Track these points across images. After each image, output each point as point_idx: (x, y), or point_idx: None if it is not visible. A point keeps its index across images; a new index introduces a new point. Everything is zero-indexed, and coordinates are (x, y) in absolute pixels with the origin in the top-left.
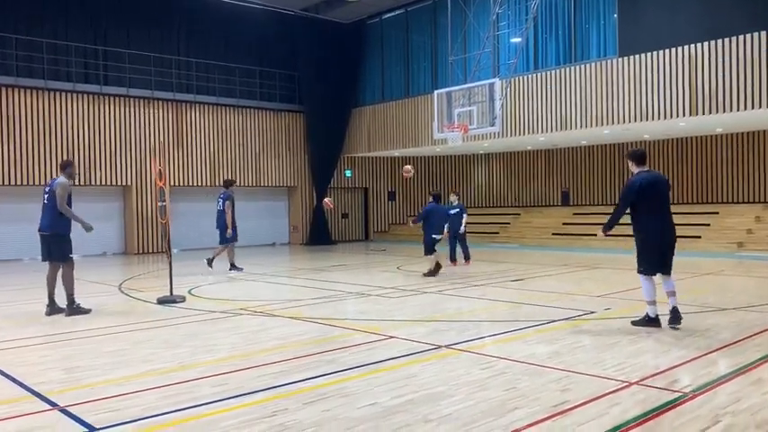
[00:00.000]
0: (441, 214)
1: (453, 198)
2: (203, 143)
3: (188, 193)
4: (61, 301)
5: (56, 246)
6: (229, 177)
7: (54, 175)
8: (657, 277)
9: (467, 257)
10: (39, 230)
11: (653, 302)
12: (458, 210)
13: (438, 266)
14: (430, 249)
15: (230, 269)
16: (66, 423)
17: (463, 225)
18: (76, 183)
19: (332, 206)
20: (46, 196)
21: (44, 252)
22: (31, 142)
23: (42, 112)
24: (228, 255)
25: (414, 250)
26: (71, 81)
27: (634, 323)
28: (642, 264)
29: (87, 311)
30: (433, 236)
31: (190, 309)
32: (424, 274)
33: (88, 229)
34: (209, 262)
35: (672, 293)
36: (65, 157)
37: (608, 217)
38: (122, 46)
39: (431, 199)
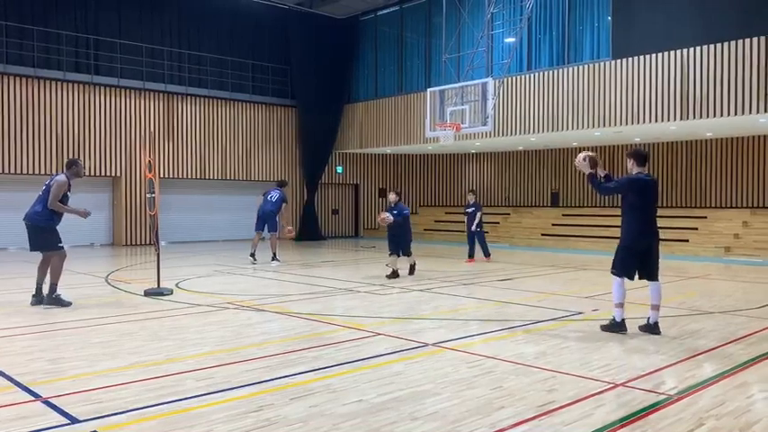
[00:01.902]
0: None
1: (470, 197)
2: (194, 135)
3: (178, 186)
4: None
5: (35, 237)
6: (282, 178)
7: (44, 165)
8: (641, 283)
9: (486, 254)
10: (23, 219)
11: (620, 305)
12: (473, 209)
13: (413, 267)
14: (395, 248)
15: (272, 260)
16: (50, 414)
17: (475, 223)
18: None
19: (293, 235)
20: (43, 188)
21: (30, 242)
22: (20, 131)
23: (32, 101)
24: (272, 245)
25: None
26: (61, 70)
27: (603, 328)
28: (619, 266)
29: (67, 304)
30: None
31: (177, 302)
32: (409, 273)
33: (85, 215)
34: (273, 257)
35: (656, 307)
36: (54, 146)
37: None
38: (114, 36)
39: (397, 198)
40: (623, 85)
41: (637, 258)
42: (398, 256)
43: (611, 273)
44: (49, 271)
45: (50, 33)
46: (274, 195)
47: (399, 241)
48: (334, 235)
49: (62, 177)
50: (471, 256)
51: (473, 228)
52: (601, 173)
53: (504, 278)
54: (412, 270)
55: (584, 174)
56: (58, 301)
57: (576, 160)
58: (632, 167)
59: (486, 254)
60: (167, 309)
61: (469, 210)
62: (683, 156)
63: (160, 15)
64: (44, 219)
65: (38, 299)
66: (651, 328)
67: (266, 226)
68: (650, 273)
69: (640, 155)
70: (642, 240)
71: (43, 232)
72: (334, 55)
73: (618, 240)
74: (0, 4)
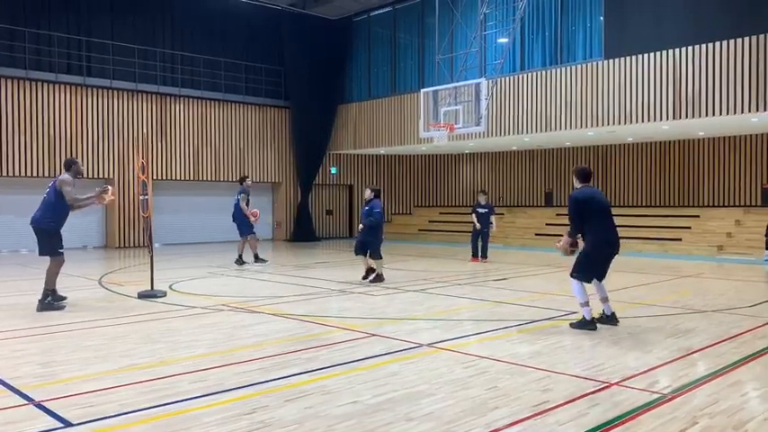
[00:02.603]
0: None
1: (482, 198)
2: (187, 137)
3: (171, 187)
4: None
5: (42, 240)
6: (244, 174)
7: (36, 167)
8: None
9: (484, 255)
10: (30, 223)
11: (587, 303)
12: (486, 210)
13: (373, 270)
14: (379, 252)
15: (255, 261)
16: (42, 418)
17: (493, 224)
18: (58, 174)
19: (257, 220)
20: (47, 191)
21: (39, 246)
22: (12, 133)
23: (24, 103)
24: (248, 245)
25: (398, 248)
26: (53, 72)
27: (572, 326)
28: (582, 271)
29: (60, 308)
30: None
31: (170, 304)
32: (371, 281)
33: (102, 192)
34: (239, 260)
35: (606, 299)
36: (46, 149)
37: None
38: (106, 37)
39: (372, 195)
40: (616, 86)
41: (600, 264)
42: (365, 256)
43: (573, 277)
44: (46, 274)
45: (42, 35)
46: (236, 197)
47: (367, 243)
48: (329, 236)
49: (67, 176)
50: (476, 255)
51: (493, 229)
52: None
53: (499, 278)
54: (374, 277)
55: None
56: (51, 307)
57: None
58: (577, 184)
59: (484, 255)
60: (161, 311)
61: (482, 210)
62: (676, 155)
63: (152, 17)
64: (50, 222)
65: (43, 305)
66: (610, 320)
67: (239, 231)
68: (602, 275)
69: (581, 172)
70: (606, 249)
71: (50, 236)
72: (328, 56)
73: (622, 241)
74: None
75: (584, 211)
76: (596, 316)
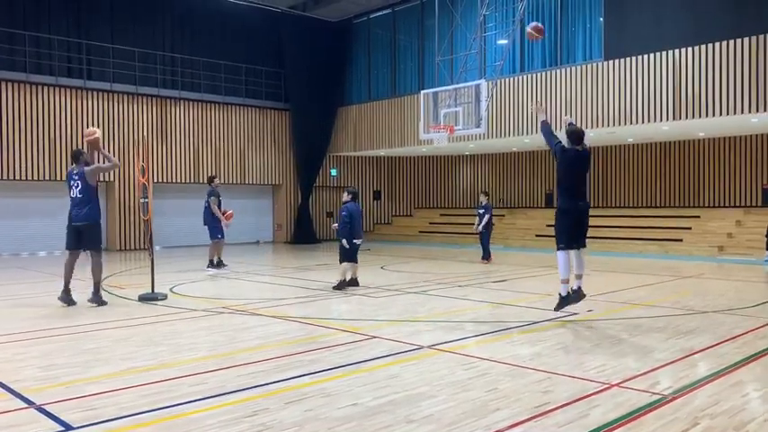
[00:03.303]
0: (360, 215)
1: (483, 198)
2: (187, 139)
3: (171, 190)
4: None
5: (91, 235)
6: (212, 174)
7: (36, 170)
8: (571, 255)
9: (484, 256)
10: (72, 222)
11: (567, 281)
12: (483, 210)
13: (353, 281)
14: (350, 257)
15: (215, 265)
16: (43, 421)
17: (481, 224)
18: (60, 178)
19: (229, 221)
20: (76, 189)
21: (73, 241)
22: (12, 136)
23: (24, 106)
24: (216, 251)
25: (399, 250)
26: (54, 75)
27: (556, 309)
28: (561, 239)
29: (105, 303)
30: (355, 241)
31: (171, 307)
32: (334, 287)
33: (113, 166)
34: (211, 264)
35: (580, 276)
36: (46, 151)
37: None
38: (106, 40)
39: (348, 197)
40: (616, 86)
41: (573, 227)
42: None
43: (558, 249)
44: (92, 269)
45: (42, 38)
46: (206, 199)
47: (340, 246)
48: (329, 238)
49: (86, 168)
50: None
51: (479, 228)
52: (567, 119)
53: (499, 279)
54: (350, 282)
55: (537, 119)
56: (102, 301)
57: (531, 107)
58: (566, 144)
59: (485, 256)
60: (162, 314)
61: (480, 210)
62: (676, 156)
63: (152, 20)
64: (97, 214)
65: (68, 297)
66: (577, 292)
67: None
68: (579, 240)
69: (571, 134)
70: (573, 206)
71: (99, 230)
72: (328, 58)
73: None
74: None
75: (564, 167)
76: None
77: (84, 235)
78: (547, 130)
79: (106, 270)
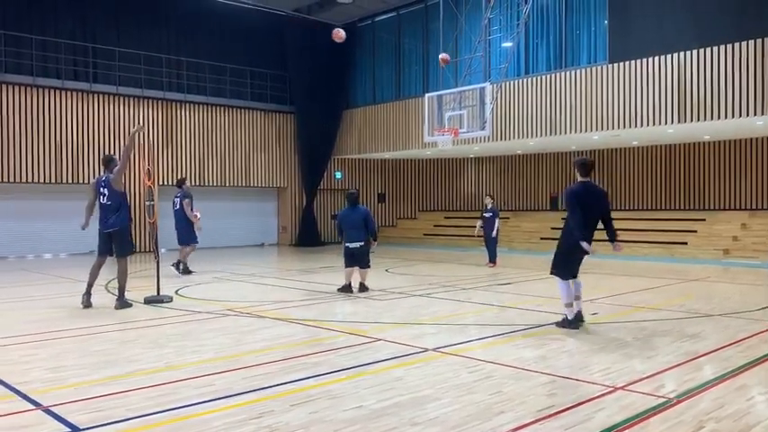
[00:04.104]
0: (352, 220)
1: (488, 201)
2: (193, 142)
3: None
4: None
5: (121, 241)
6: (182, 176)
7: (42, 173)
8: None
9: (490, 259)
10: (104, 230)
11: (571, 305)
12: (491, 214)
13: (347, 287)
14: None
15: (173, 264)
16: (50, 423)
17: (495, 229)
18: (65, 180)
19: (198, 223)
20: (104, 196)
21: (102, 246)
22: (19, 139)
23: (30, 109)
24: (184, 255)
25: (403, 252)
26: (60, 78)
27: (558, 324)
28: (562, 268)
29: (130, 305)
30: (346, 245)
31: (177, 309)
32: (339, 290)
33: (129, 149)
34: (180, 268)
35: (579, 297)
36: (52, 155)
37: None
38: (112, 44)
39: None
40: (620, 89)
41: (578, 261)
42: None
43: (556, 275)
44: (117, 277)
45: (48, 42)
46: (176, 202)
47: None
48: (333, 241)
49: (110, 175)
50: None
51: (493, 234)
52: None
53: (504, 282)
54: (342, 288)
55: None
56: (127, 304)
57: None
58: (577, 176)
59: (491, 259)
60: (167, 316)
61: (487, 214)
62: (681, 159)
63: (158, 23)
64: (127, 219)
65: (89, 300)
66: (578, 315)
67: (180, 238)
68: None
69: (581, 165)
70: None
71: (128, 235)
72: (332, 61)
73: (623, 242)
74: None
75: (579, 206)
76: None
77: (116, 241)
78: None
79: (112, 272)
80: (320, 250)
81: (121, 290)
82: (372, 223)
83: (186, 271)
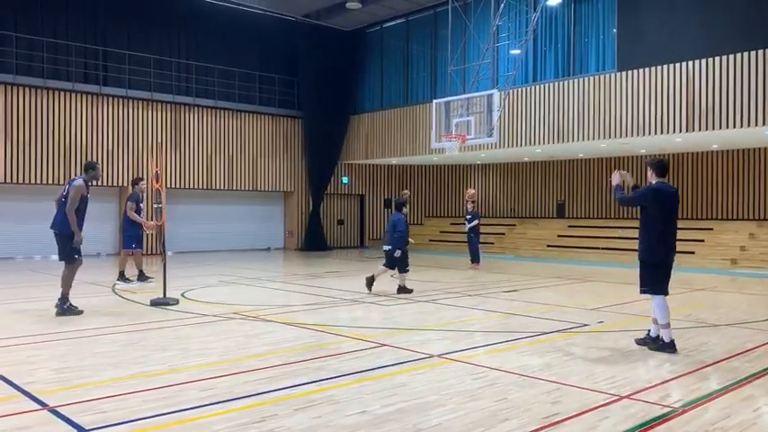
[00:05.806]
0: (389, 224)
1: (470, 206)
2: (201, 146)
3: (184, 196)
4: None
5: (63, 245)
6: (137, 176)
7: (52, 175)
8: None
9: (473, 260)
10: (51, 227)
11: (668, 325)
12: (470, 216)
13: (370, 278)
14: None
15: (138, 279)
16: (56, 423)
17: (467, 227)
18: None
19: (153, 227)
20: (63, 194)
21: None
22: (29, 141)
23: (40, 112)
24: (122, 262)
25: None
26: (70, 81)
27: (645, 344)
28: (654, 284)
29: (79, 312)
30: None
31: (182, 312)
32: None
33: (76, 243)
34: (122, 277)
35: (656, 321)
36: (62, 157)
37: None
38: (122, 47)
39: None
40: (628, 97)
41: (670, 271)
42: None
43: (654, 293)
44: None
45: (59, 44)
46: (129, 205)
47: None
48: (340, 245)
49: (79, 181)
50: (476, 261)
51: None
52: (630, 183)
53: (510, 289)
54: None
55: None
56: (71, 311)
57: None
58: (651, 177)
59: (474, 260)
60: (173, 319)
61: (468, 216)
62: (689, 167)
63: (168, 27)
64: (69, 226)
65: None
66: (656, 342)
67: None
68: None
69: (659, 165)
70: (671, 255)
71: (69, 240)
72: (341, 66)
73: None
74: (10, 16)
75: (654, 207)
76: (642, 336)
77: (59, 244)
78: (618, 192)
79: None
80: (326, 255)
81: (63, 296)
82: (395, 231)
83: (142, 276)
